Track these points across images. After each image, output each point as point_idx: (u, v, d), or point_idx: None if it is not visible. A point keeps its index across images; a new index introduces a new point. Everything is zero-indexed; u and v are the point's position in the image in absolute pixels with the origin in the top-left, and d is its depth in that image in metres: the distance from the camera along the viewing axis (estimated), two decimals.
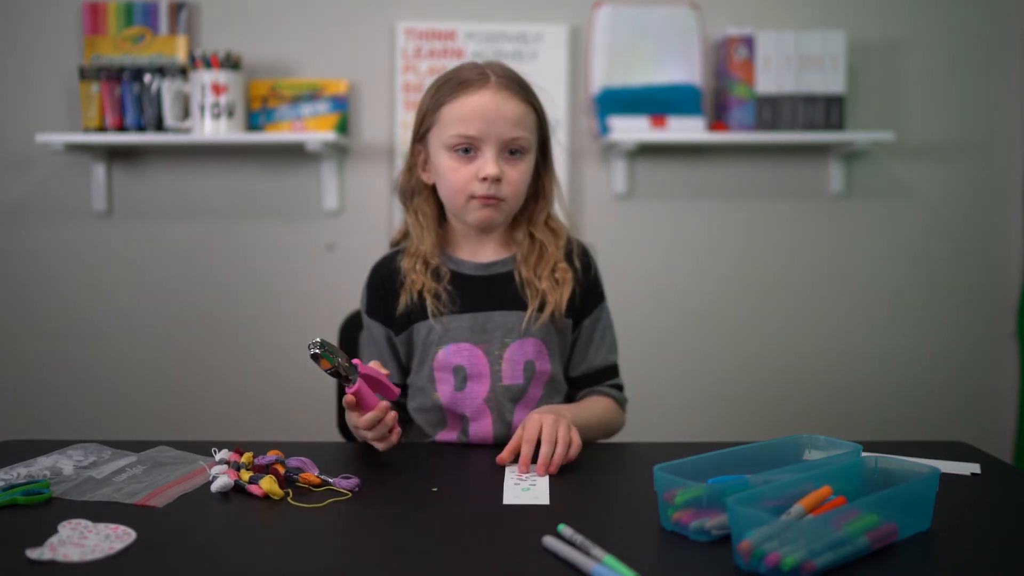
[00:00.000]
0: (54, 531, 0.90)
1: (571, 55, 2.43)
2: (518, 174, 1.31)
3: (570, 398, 1.43)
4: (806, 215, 2.50)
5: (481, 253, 1.39)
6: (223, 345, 2.45)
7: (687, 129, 2.33)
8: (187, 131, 2.29)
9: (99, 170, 2.40)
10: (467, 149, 1.30)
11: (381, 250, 1.47)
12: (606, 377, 1.42)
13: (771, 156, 2.48)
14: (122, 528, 0.92)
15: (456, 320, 1.33)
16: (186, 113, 2.30)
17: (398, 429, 1.20)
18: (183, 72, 2.30)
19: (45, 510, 0.99)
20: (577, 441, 1.17)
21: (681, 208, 2.49)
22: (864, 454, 1.02)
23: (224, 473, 1.07)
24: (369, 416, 1.15)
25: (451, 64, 1.48)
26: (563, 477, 1.12)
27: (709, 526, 0.89)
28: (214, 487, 1.05)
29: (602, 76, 2.40)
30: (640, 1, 2.41)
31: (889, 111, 2.48)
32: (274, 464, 1.09)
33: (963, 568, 0.86)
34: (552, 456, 1.14)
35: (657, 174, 2.48)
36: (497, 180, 1.29)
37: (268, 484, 1.03)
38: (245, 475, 1.06)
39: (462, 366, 1.33)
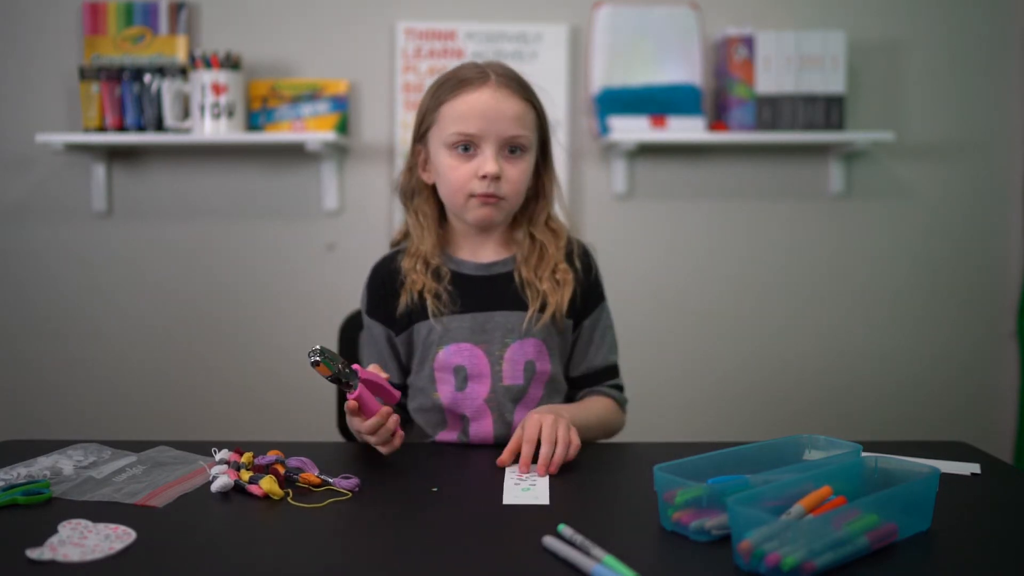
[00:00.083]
0: (54, 531, 0.90)
1: (571, 55, 2.43)
2: (518, 172, 1.31)
3: (570, 398, 1.43)
4: (806, 215, 2.50)
5: (481, 253, 1.39)
6: (223, 345, 2.45)
7: (687, 129, 2.33)
8: (187, 131, 2.29)
9: (99, 170, 2.40)
10: (467, 147, 1.30)
11: (381, 250, 1.47)
12: (606, 377, 1.42)
13: (771, 156, 2.48)
14: (122, 528, 0.92)
15: (456, 320, 1.33)
16: (186, 113, 2.30)
17: (401, 433, 1.20)
18: (183, 72, 2.30)
19: (45, 510, 0.99)
20: (576, 441, 1.17)
21: (681, 208, 2.49)
22: (864, 454, 1.02)
23: (224, 473, 1.07)
24: (372, 422, 1.15)
25: (451, 64, 1.48)
26: (563, 477, 1.12)
27: (709, 526, 0.89)
28: (214, 487, 1.05)
29: (602, 76, 2.40)
30: (640, 1, 2.41)
31: (889, 111, 2.48)
32: (274, 464, 1.09)
33: (963, 568, 0.86)
34: (552, 456, 1.14)
35: (657, 174, 2.48)
36: (497, 178, 1.29)
37: (268, 484, 1.03)
38: (245, 475, 1.06)
39: (463, 366, 1.33)
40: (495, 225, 1.37)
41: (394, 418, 1.17)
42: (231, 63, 2.27)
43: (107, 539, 0.89)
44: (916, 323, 2.53)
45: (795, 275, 2.50)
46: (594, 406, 1.37)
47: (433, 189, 1.38)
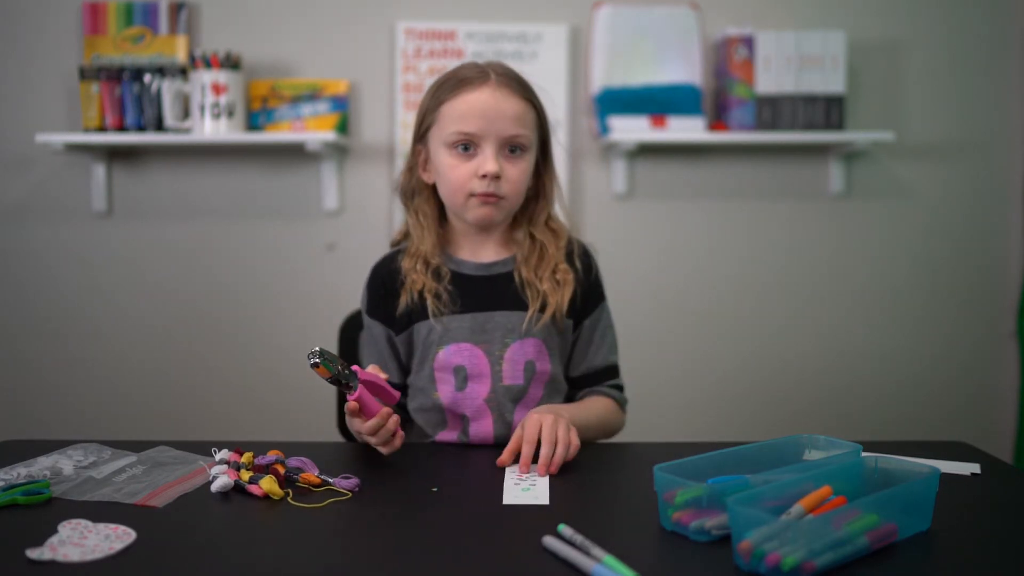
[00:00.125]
0: (54, 531, 0.90)
1: (571, 55, 2.43)
2: (518, 172, 1.31)
3: (570, 398, 1.43)
4: (806, 215, 2.50)
5: (482, 253, 1.39)
6: (223, 345, 2.45)
7: (687, 129, 2.33)
8: (187, 131, 2.29)
9: (99, 170, 2.40)
10: (467, 147, 1.30)
11: (381, 250, 1.47)
12: (606, 377, 1.42)
13: (771, 156, 2.48)
14: (122, 528, 0.92)
15: (456, 320, 1.33)
16: (186, 113, 2.30)
17: (401, 433, 1.20)
18: (183, 72, 2.30)
19: (45, 510, 0.99)
20: (576, 442, 1.17)
21: (681, 208, 2.49)
22: (864, 454, 1.02)
23: (224, 473, 1.07)
24: (372, 423, 1.15)
25: (451, 64, 1.48)
26: (563, 477, 1.12)
27: (709, 526, 0.89)
28: (214, 487, 1.05)
29: (602, 76, 2.40)
30: (640, 1, 2.41)
31: (889, 111, 2.48)
32: (274, 464, 1.09)
33: (963, 568, 0.86)
34: (552, 456, 1.14)
35: (657, 174, 2.48)
36: (497, 177, 1.29)
37: (268, 484, 1.03)
38: (245, 475, 1.06)
39: (463, 366, 1.33)
40: (495, 224, 1.37)
41: (394, 418, 1.17)
42: (231, 63, 2.27)
43: (107, 539, 0.89)
44: (916, 323, 2.53)
45: (795, 275, 2.50)
46: (594, 406, 1.37)
47: (433, 189, 1.38)
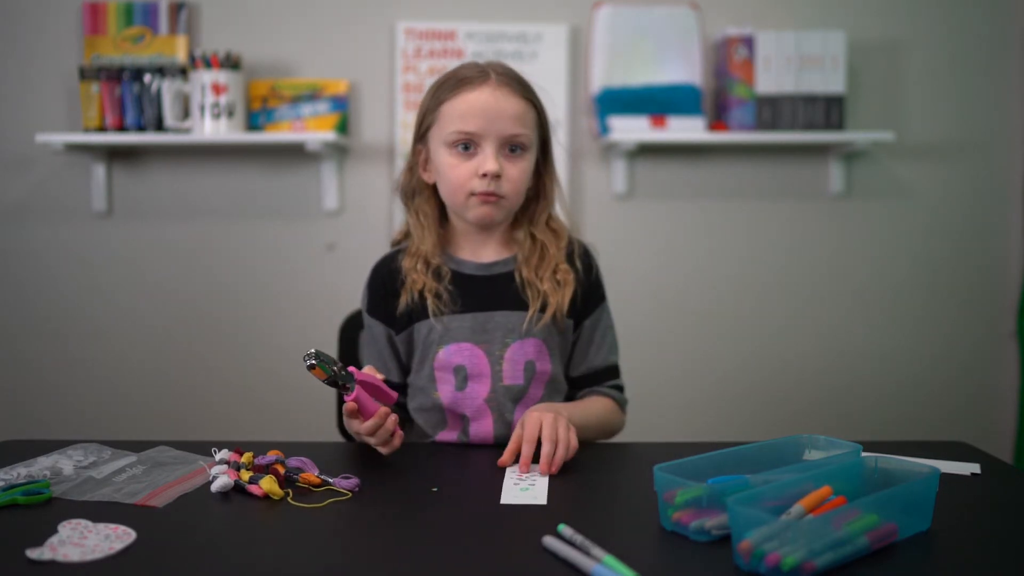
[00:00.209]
0: (54, 531, 0.90)
1: (571, 55, 2.43)
2: (518, 171, 1.31)
3: (570, 398, 1.42)
4: (806, 215, 2.50)
5: (482, 253, 1.39)
6: (223, 345, 2.45)
7: (687, 129, 2.33)
8: (187, 131, 2.29)
9: (99, 170, 2.40)
10: (467, 146, 1.30)
11: (381, 250, 1.47)
12: (607, 377, 1.42)
13: (771, 156, 2.48)
14: (122, 528, 0.92)
15: (457, 320, 1.33)
16: (186, 113, 2.30)
17: (400, 432, 1.20)
18: (183, 72, 2.30)
19: (45, 510, 0.99)
20: (574, 442, 1.17)
21: (681, 208, 2.49)
22: (864, 454, 1.02)
23: (224, 473, 1.07)
24: (370, 423, 1.15)
25: (451, 64, 1.48)
26: (563, 477, 1.12)
27: (709, 526, 0.89)
28: (214, 487, 1.05)
29: (602, 76, 2.40)
30: (640, 1, 2.41)
31: (889, 111, 2.48)
32: (274, 464, 1.09)
33: (963, 568, 0.86)
34: (554, 454, 1.14)
35: (657, 174, 2.48)
36: (497, 176, 1.29)
37: (268, 484, 1.03)
38: (245, 475, 1.06)
39: (463, 366, 1.33)
40: (496, 224, 1.37)
41: (392, 418, 1.17)
42: (231, 63, 2.27)
43: (107, 539, 0.89)
44: (916, 323, 2.53)
45: (795, 275, 2.50)
46: (593, 406, 1.37)
47: (434, 189, 1.38)
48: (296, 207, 2.44)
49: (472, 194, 1.30)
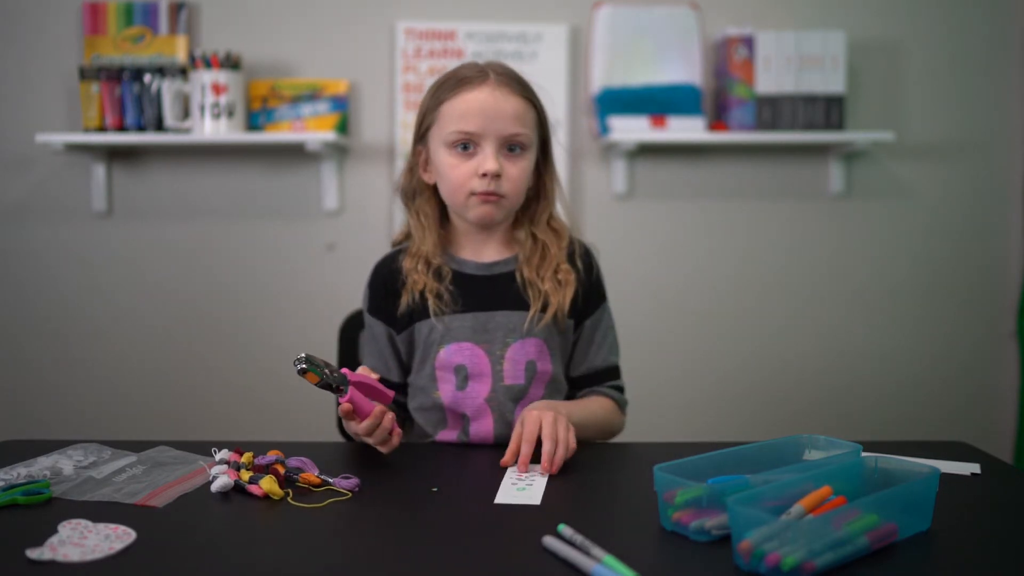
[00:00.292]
0: (54, 531, 0.90)
1: (571, 55, 2.43)
2: (518, 170, 1.31)
3: (570, 398, 1.42)
4: (806, 215, 2.50)
5: (483, 253, 1.39)
6: (223, 345, 2.45)
7: (687, 129, 2.33)
8: (187, 131, 2.29)
9: (99, 170, 2.40)
10: (466, 146, 1.30)
11: (381, 250, 1.47)
12: (607, 378, 1.41)
13: (771, 156, 2.48)
14: (122, 528, 0.92)
15: (458, 319, 1.33)
16: (186, 113, 2.30)
17: (398, 431, 1.20)
18: (183, 72, 2.30)
19: (45, 510, 0.99)
20: (573, 444, 1.17)
21: (681, 208, 2.49)
22: (864, 454, 1.02)
23: (224, 473, 1.07)
24: (366, 424, 1.15)
25: (451, 64, 1.49)
26: (562, 477, 1.12)
27: (709, 526, 0.89)
28: (214, 487, 1.05)
29: (602, 76, 2.40)
30: (640, 1, 2.41)
31: (889, 111, 2.48)
32: (274, 464, 1.09)
33: (963, 568, 0.86)
34: (554, 453, 1.14)
35: (657, 174, 2.48)
36: (497, 176, 1.29)
37: (268, 484, 1.03)
38: (245, 475, 1.06)
39: (463, 365, 1.33)
40: (496, 223, 1.36)
41: (389, 416, 1.17)
42: (231, 63, 2.27)
43: (107, 539, 0.89)
44: (916, 323, 2.53)
45: (795, 275, 2.50)
46: (592, 405, 1.37)
47: (434, 189, 1.38)
48: (296, 207, 2.44)
49: (472, 194, 1.30)
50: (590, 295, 1.40)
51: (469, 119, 1.28)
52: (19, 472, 1.09)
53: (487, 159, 1.28)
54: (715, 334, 2.50)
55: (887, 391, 2.52)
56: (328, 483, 1.07)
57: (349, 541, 0.94)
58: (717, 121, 2.42)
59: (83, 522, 0.93)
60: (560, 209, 1.42)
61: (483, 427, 1.33)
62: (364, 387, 1.16)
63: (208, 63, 2.25)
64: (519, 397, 1.33)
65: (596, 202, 2.46)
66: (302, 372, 1.09)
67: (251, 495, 1.04)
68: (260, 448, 1.16)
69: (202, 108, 2.26)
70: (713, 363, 2.51)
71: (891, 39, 2.47)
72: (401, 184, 1.41)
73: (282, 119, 2.37)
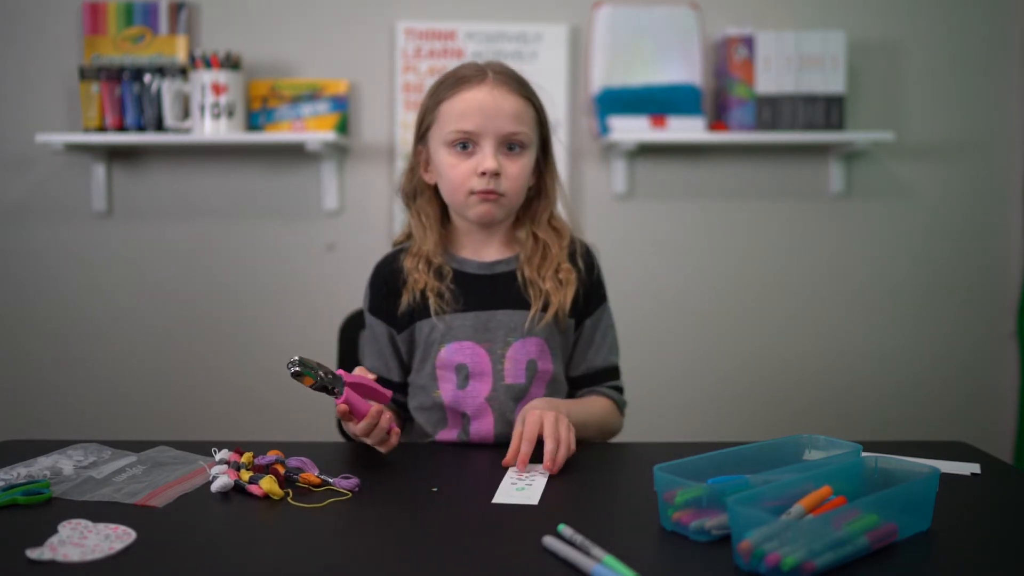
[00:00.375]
0: (54, 531, 0.90)
1: (571, 55, 2.43)
2: (517, 169, 1.31)
3: (570, 397, 1.42)
4: (806, 215, 2.50)
5: (484, 252, 1.39)
6: (223, 345, 2.45)
7: (687, 129, 2.33)
8: (187, 131, 2.29)
9: (99, 170, 2.40)
10: (466, 145, 1.30)
11: (381, 250, 1.47)
12: (606, 378, 1.41)
13: (771, 156, 2.48)
14: (122, 528, 0.92)
15: (459, 319, 1.33)
16: (186, 113, 2.30)
17: (397, 430, 1.20)
18: (183, 72, 2.30)
19: (45, 510, 0.99)
20: (572, 445, 1.17)
21: (681, 208, 2.49)
22: (864, 454, 1.02)
23: (224, 473, 1.07)
24: (363, 424, 1.15)
25: (451, 64, 1.49)
26: (562, 477, 1.12)
27: (709, 526, 0.89)
28: (214, 487, 1.05)
29: (602, 76, 2.40)
30: (640, 1, 2.41)
31: (889, 111, 2.48)
32: (274, 464, 1.09)
33: (963, 568, 0.86)
34: (556, 452, 1.14)
35: (657, 174, 2.48)
36: (496, 174, 1.29)
37: (268, 484, 1.03)
38: (245, 475, 1.06)
39: (464, 364, 1.33)
40: (496, 222, 1.36)
41: (386, 416, 1.17)
42: (231, 63, 2.27)
43: (107, 539, 0.89)
44: (916, 323, 2.53)
45: (795, 275, 2.50)
46: (591, 405, 1.37)
47: (435, 189, 1.38)
48: (296, 207, 2.44)
49: (472, 192, 1.30)
50: (591, 295, 1.40)
51: (468, 118, 1.29)
52: (19, 472, 1.09)
53: (486, 158, 1.28)
54: (715, 334, 2.50)
55: (887, 391, 2.52)
56: (328, 483, 1.07)
57: (349, 541, 0.94)
58: (717, 121, 2.42)
59: (83, 522, 0.93)
60: (561, 208, 1.42)
61: (484, 426, 1.33)
62: (360, 387, 1.16)
63: (208, 63, 2.25)
64: (520, 396, 1.33)
65: (596, 202, 2.46)
66: (296, 376, 1.09)
67: (251, 495, 1.04)
68: (260, 448, 1.16)
69: (202, 108, 2.26)
70: (713, 363, 2.51)
71: (891, 39, 2.47)
72: (402, 184, 1.41)
73: (282, 119, 2.37)
